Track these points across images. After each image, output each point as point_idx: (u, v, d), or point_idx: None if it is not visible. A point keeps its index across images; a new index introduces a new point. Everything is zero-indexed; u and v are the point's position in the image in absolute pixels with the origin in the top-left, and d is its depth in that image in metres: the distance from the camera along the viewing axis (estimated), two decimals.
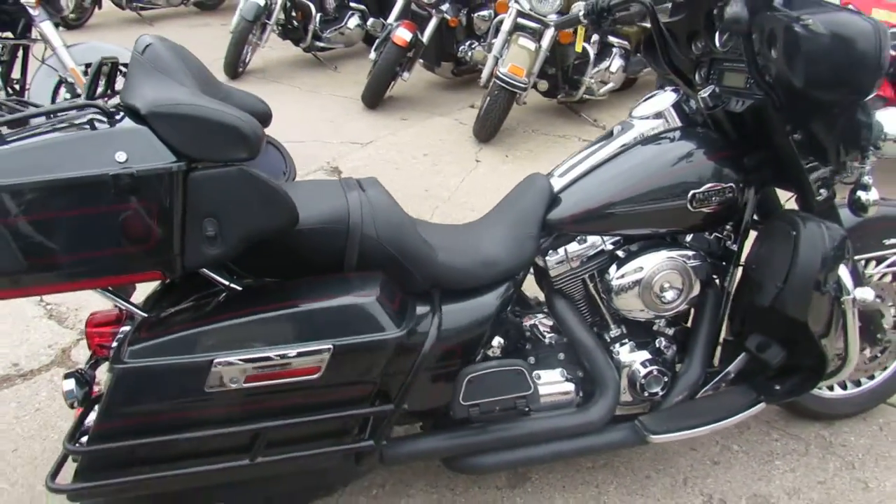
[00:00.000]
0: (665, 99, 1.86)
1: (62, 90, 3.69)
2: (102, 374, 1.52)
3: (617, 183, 1.73)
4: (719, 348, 1.96)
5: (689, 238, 1.89)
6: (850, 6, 3.66)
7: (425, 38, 4.84)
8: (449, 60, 5.36)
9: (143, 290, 1.62)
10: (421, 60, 5.21)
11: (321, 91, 5.49)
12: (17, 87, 3.82)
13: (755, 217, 1.88)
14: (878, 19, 3.62)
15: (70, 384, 1.50)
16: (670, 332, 1.89)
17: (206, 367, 1.34)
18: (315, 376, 1.40)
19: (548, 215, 1.76)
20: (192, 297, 1.51)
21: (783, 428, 2.18)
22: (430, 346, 1.55)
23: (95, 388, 1.57)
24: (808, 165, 1.71)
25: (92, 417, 1.43)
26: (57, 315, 2.67)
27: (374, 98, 5.01)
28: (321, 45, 5.83)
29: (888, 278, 2.08)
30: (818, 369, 1.80)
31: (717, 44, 1.77)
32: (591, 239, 1.78)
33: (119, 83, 1.54)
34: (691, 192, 1.70)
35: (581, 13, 1.94)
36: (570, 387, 1.79)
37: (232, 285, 1.49)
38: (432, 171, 4.11)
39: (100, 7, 7.37)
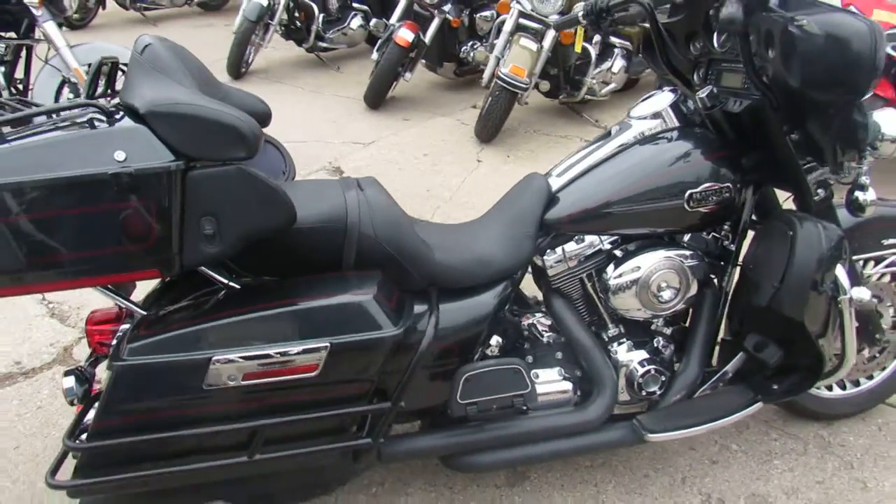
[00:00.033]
0: (663, 99, 1.87)
1: (65, 90, 3.71)
2: (102, 372, 1.53)
3: (614, 183, 1.74)
4: (718, 348, 1.96)
5: (686, 238, 1.89)
6: (852, 7, 3.67)
7: (427, 38, 4.86)
8: (451, 61, 5.37)
9: (144, 289, 1.63)
10: (423, 61, 5.22)
11: (324, 91, 5.51)
12: (20, 87, 3.84)
13: (754, 217, 1.89)
14: (880, 20, 3.62)
15: (70, 381, 1.51)
16: (668, 331, 1.89)
17: (204, 364, 1.35)
18: (313, 374, 1.41)
19: (545, 215, 1.76)
20: (191, 296, 1.52)
21: (782, 428, 2.19)
22: (426, 344, 1.55)
23: (96, 386, 1.58)
24: (806, 165, 1.72)
25: (92, 414, 1.44)
26: (59, 314, 2.68)
27: (377, 98, 5.02)
28: (324, 45, 5.85)
29: (887, 278, 2.08)
30: (816, 369, 1.81)
31: (716, 44, 1.78)
32: (589, 238, 1.79)
33: (120, 83, 1.56)
34: (688, 192, 1.71)
35: (580, 14, 1.95)
36: (568, 386, 1.80)
37: (231, 284, 1.50)
38: (434, 171, 4.12)
39: (104, 7, 7.43)
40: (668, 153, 1.75)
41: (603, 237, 1.80)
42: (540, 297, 1.91)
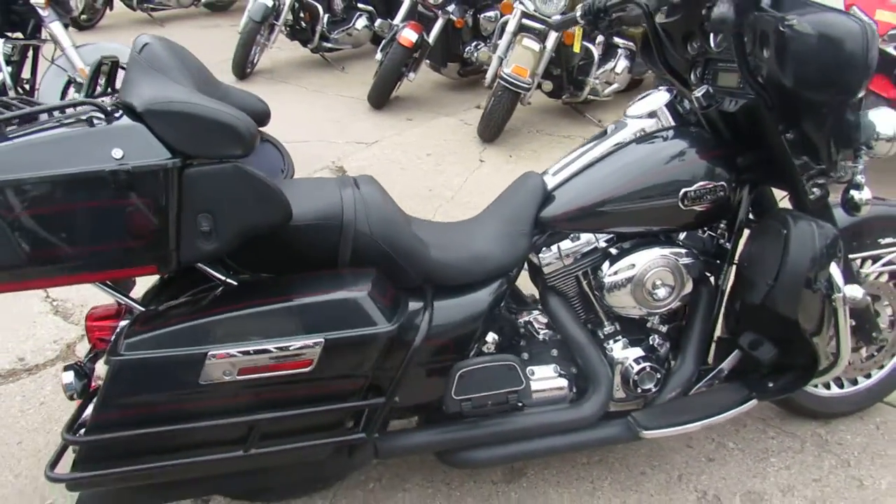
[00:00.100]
0: (659, 98, 1.88)
1: (71, 90, 3.74)
2: (103, 367, 1.55)
3: (610, 181, 1.75)
4: (714, 346, 1.97)
5: (682, 236, 1.90)
6: (854, 7, 3.66)
7: (431, 38, 4.87)
8: (455, 61, 5.38)
9: (143, 286, 1.65)
10: (427, 61, 5.24)
11: (328, 91, 5.53)
12: (27, 86, 3.87)
13: (751, 216, 1.90)
14: (882, 20, 3.61)
15: (69, 376, 1.53)
16: (664, 329, 1.90)
17: (200, 359, 1.37)
18: (307, 369, 1.43)
19: (541, 213, 1.78)
20: (189, 292, 1.55)
21: (779, 426, 2.19)
22: (420, 340, 1.57)
23: (95, 382, 1.60)
24: (801, 164, 1.72)
25: (90, 409, 1.46)
26: (62, 311, 2.71)
27: (380, 98, 5.04)
28: (329, 45, 5.87)
29: (884, 277, 2.09)
30: (810, 367, 1.81)
31: (712, 44, 1.78)
32: (585, 236, 1.80)
33: (120, 82, 1.58)
34: (683, 191, 1.72)
35: (578, 14, 1.96)
36: (564, 382, 1.81)
37: (228, 280, 1.52)
38: (436, 171, 4.13)
39: (111, 8, 7.46)
40: (664, 152, 1.76)
41: (598, 235, 1.80)
42: (536, 294, 1.92)
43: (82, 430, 1.43)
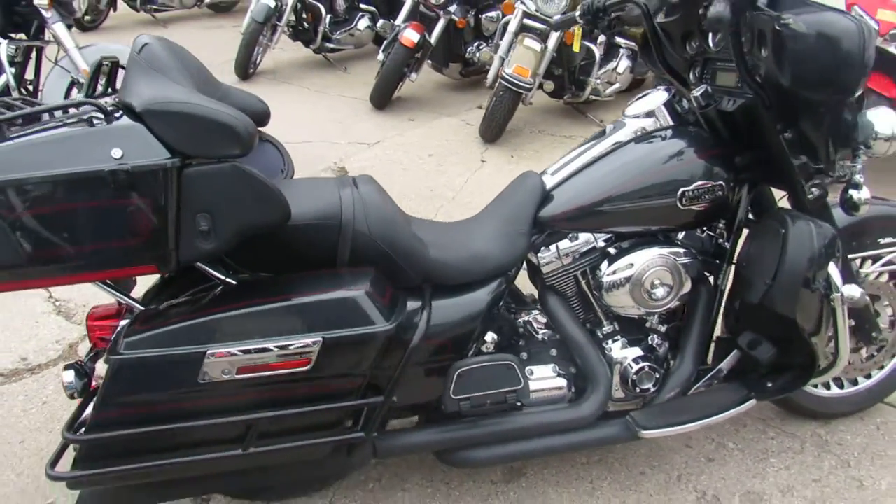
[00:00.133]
0: (657, 98, 1.88)
1: (74, 91, 3.76)
2: (103, 367, 1.55)
3: (608, 180, 1.75)
4: (713, 346, 1.97)
5: (681, 236, 1.90)
6: (856, 7, 3.65)
7: (433, 39, 4.88)
8: (457, 61, 5.39)
9: (144, 286, 1.66)
10: (429, 61, 5.25)
11: (330, 92, 5.54)
12: (30, 88, 3.89)
13: (751, 216, 1.90)
14: (883, 20, 3.60)
15: (70, 376, 1.54)
16: (663, 329, 1.90)
17: (199, 358, 1.38)
18: (305, 368, 1.43)
19: (540, 212, 1.78)
20: (189, 292, 1.55)
21: (779, 426, 2.19)
22: (418, 339, 1.57)
23: (96, 381, 1.61)
24: (800, 164, 1.72)
25: (91, 408, 1.47)
26: (65, 311, 2.72)
27: (382, 99, 5.05)
28: (331, 46, 5.89)
29: (885, 277, 2.08)
30: (809, 367, 1.81)
31: (711, 44, 1.79)
32: (583, 236, 1.80)
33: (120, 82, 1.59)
34: (681, 190, 1.72)
35: (577, 13, 1.97)
36: (563, 382, 1.81)
37: (227, 280, 1.53)
38: (438, 172, 4.14)
39: (115, 9, 7.50)
40: (662, 151, 1.76)
41: (597, 235, 1.81)
42: (536, 294, 1.93)
43: (82, 429, 1.44)
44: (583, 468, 2.03)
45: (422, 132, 4.76)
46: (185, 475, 1.55)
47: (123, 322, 1.56)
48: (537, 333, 1.86)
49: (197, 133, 1.32)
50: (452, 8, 4.91)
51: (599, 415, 1.79)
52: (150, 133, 1.31)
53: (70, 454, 1.49)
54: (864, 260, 2.03)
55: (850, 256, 1.92)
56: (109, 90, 1.63)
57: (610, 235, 1.82)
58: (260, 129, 1.84)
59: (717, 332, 1.97)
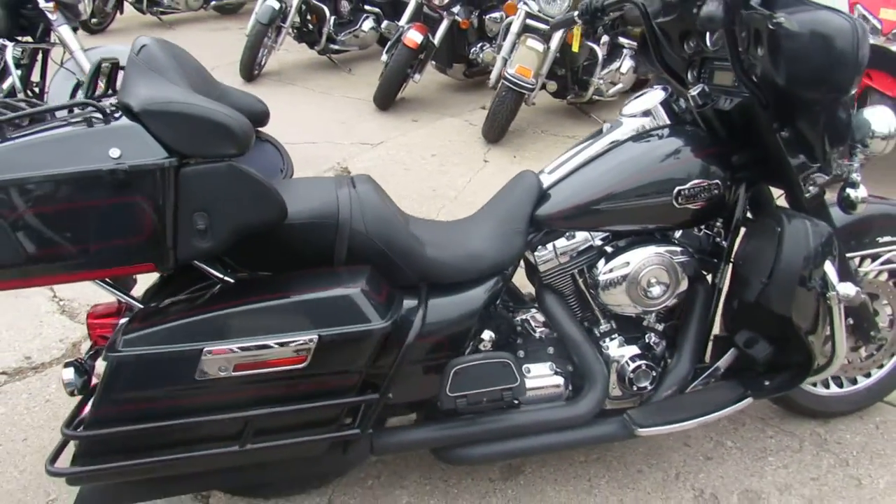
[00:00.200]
0: (654, 97, 1.89)
1: (79, 92, 3.79)
2: (103, 364, 1.57)
3: (604, 179, 1.76)
4: (711, 344, 1.97)
5: (678, 234, 1.91)
6: (858, 6, 3.64)
7: (437, 40, 4.89)
8: (460, 62, 5.40)
9: (144, 285, 1.68)
10: (433, 62, 5.26)
11: (334, 93, 5.56)
12: (36, 89, 3.92)
13: (749, 214, 1.90)
14: (886, 19, 3.59)
15: (69, 373, 1.55)
16: (660, 327, 1.91)
17: (196, 355, 1.39)
18: (301, 365, 1.45)
19: (537, 211, 1.79)
20: (187, 290, 1.57)
21: (778, 425, 2.19)
22: (413, 337, 1.58)
23: (96, 378, 1.62)
24: (796, 163, 1.72)
25: (90, 405, 1.49)
26: (69, 310, 2.75)
27: (386, 100, 5.06)
28: (335, 47, 5.91)
29: (884, 276, 2.08)
30: (806, 365, 1.81)
31: (708, 43, 1.79)
32: (580, 235, 1.81)
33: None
34: (677, 189, 1.72)
35: (575, 13, 1.98)
36: (560, 380, 1.82)
37: (225, 278, 1.55)
38: (440, 172, 4.15)
39: (121, 12, 7.54)
40: (658, 150, 1.77)
41: (594, 233, 1.81)
42: (534, 292, 1.93)
43: (82, 426, 1.46)
44: (581, 466, 2.04)
45: (425, 133, 4.78)
46: (183, 471, 1.56)
47: (123, 320, 1.58)
48: (535, 332, 1.87)
49: (194, 133, 1.33)
50: (456, 9, 4.92)
51: (596, 413, 1.79)
52: (148, 133, 1.33)
53: (70, 451, 1.50)
54: (863, 259, 2.03)
55: (848, 255, 1.92)
56: (109, 91, 1.65)
57: (607, 234, 1.82)
58: (260, 129, 1.86)
59: (717, 330, 1.97)
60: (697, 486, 1.98)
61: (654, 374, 1.84)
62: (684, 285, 1.80)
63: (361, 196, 1.62)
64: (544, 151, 4.48)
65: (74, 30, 3.81)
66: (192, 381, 1.41)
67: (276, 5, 5.28)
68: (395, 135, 4.71)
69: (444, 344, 1.68)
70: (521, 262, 1.86)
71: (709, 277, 1.91)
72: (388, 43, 5.02)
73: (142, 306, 1.53)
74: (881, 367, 2.18)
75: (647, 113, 1.86)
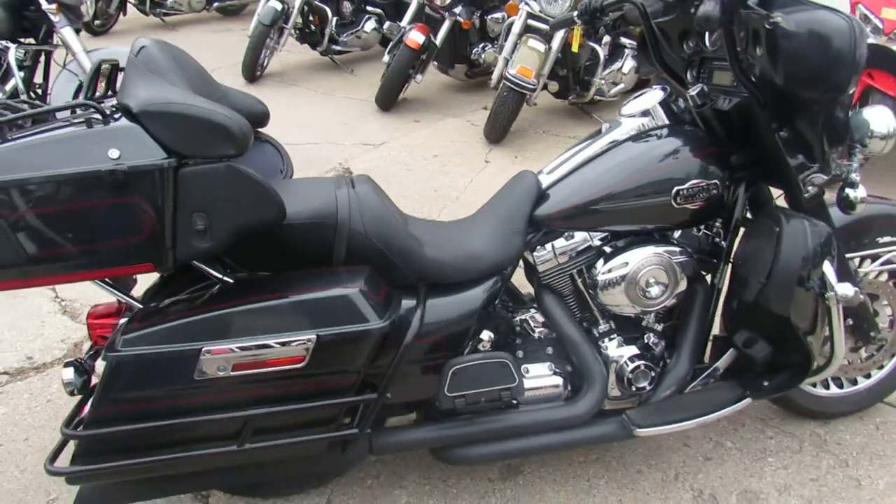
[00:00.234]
0: (653, 97, 1.89)
1: (82, 94, 3.79)
2: (102, 364, 1.58)
3: (603, 179, 1.76)
4: (710, 345, 1.97)
5: (678, 234, 1.91)
6: (860, 5, 3.63)
7: (438, 40, 4.90)
8: (462, 62, 5.40)
9: (144, 285, 1.68)
10: (435, 63, 5.26)
11: (336, 94, 5.57)
12: (39, 91, 3.94)
13: (749, 214, 1.90)
14: (888, 18, 3.58)
15: (69, 373, 1.56)
16: (659, 327, 1.91)
17: (195, 355, 1.40)
18: (300, 365, 1.45)
19: (536, 211, 1.79)
20: (187, 290, 1.58)
21: (778, 426, 2.19)
22: (411, 337, 1.59)
23: (95, 378, 1.63)
24: (796, 163, 1.72)
25: (89, 404, 1.49)
26: (70, 311, 2.76)
27: (388, 100, 5.07)
28: (338, 48, 5.92)
29: (884, 276, 2.08)
30: (804, 366, 1.81)
31: (707, 43, 1.79)
32: (579, 235, 1.81)
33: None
34: (675, 189, 1.73)
35: (575, 14, 1.98)
36: (558, 380, 1.82)
37: (225, 278, 1.55)
38: (442, 172, 4.15)
39: (124, 13, 7.56)
40: (657, 150, 1.77)
41: (593, 234, 1.81)
42: (533, 293, 1.93)
43: (81, 426, 1.46)
44: (580, 466, 2.04)
45: (427, 133, 4.78)
46: (183, 471, 1.57)
47: (122, 320, 1.59)
48: (534, 332, 1.87)
49: (192, 133, 1.34)
50: (457, 9, 4.93)
51: (595, 413, 1.79)
52: (147, 133, 1.33)
53: (70, 450, 1.51)
54: (862, 259, 2.03)
55: (848, 255, 1.92)
56: (109, 92, 1.66)
57: (606, 234, 1.82)
58: (261, 129, 1.87)
59: (716, 330, 1.97)
60: (696, 486, 1.98)
61: (652, 374, 1.84)
62: (683, 285, 1.81)
63: (360, 196, 1.62)
64: (546, 152, 4.48)
65: (77, 31, 3.82)
66: (191, 380, 1.42)
67: (279, 6, 5.30)
68: (397, 135, 4.72)
69: (442, 344, 1.69)
70: (520, 263, 1.87)
71: (708, 277, 1.91)
72: (390, 44, 5.03)
73: (141, 306, 1.54)
74: (881, 367, 2.17)
75: (645, 113, 1.87)
